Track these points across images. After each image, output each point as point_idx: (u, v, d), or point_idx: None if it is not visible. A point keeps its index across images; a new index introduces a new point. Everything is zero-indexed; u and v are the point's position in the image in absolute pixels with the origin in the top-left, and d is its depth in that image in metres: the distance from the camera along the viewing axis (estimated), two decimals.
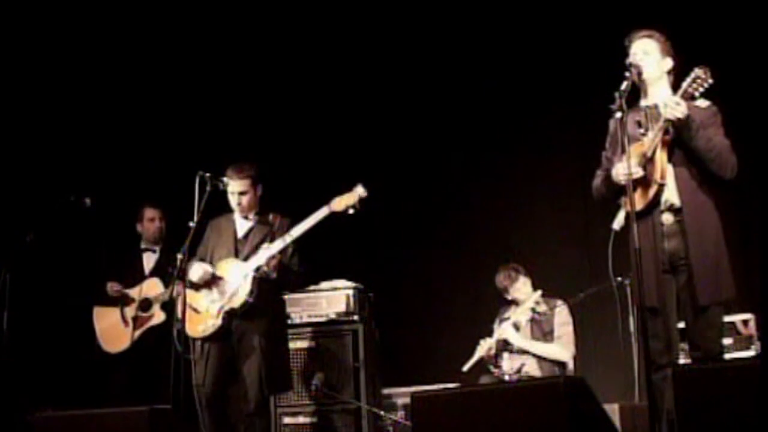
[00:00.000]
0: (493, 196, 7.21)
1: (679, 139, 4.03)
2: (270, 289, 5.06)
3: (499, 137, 7.22)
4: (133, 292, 5.87)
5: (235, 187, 5.06)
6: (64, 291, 6.43)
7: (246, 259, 5.05)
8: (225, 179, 5.01)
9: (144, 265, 6.03)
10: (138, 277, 5.93)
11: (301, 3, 7.48)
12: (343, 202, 4.97)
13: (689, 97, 3.99)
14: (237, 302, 4.93)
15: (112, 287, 5.84)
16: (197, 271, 4.99)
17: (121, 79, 7.21)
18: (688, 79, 3.98)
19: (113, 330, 5.83)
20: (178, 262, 4.94)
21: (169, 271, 5.49)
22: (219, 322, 4.92)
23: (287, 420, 5.85)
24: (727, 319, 5.23)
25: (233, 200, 5.10)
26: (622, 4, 6.52)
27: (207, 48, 7.45)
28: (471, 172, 7.32)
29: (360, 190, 5.00)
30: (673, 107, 3.94)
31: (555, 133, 6.96)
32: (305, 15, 7.51)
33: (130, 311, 5.82)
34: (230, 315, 4.95)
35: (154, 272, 5.95)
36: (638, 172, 3.98)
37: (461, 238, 7.30)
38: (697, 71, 3.97)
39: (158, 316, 5.72)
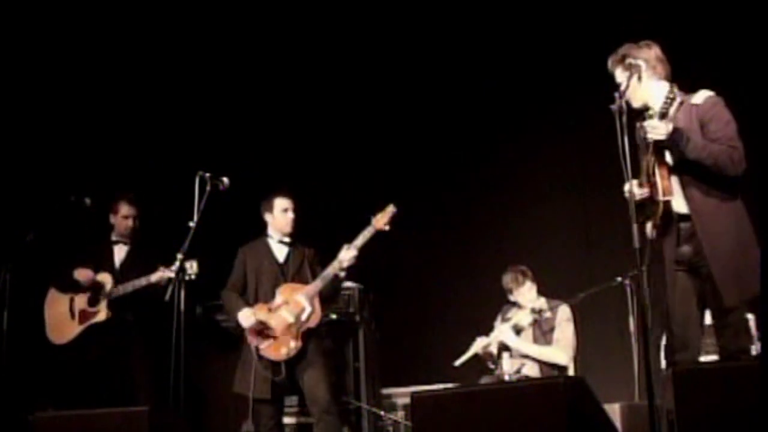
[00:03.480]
0: (494, 196, 7.21)
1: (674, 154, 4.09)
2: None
3: (499, 137, 7.22)
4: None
5: (290, 204, 5.48)
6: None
7: (293, 280, 5.39)
8: (225, 180, 5.03)
9: (114, 256, 5.97)
10: (107, 268, 5.87)
11: (300, 7, 7.49)
12: (381, 221, 5.29)
13: (663, 115, 4.01)
14: (314, 322, 5.28)
15: (84, 275, 5.72)
16: (245, 317, 5.26)
17: (121, 79, 7.20)
18: (660, 102, 4.03)
19: (60, 320, 5.74)
20: (178, 262, 4.96)
21: (170, 270, 5.47)
22: (300, 343, 5.22)
23: (287, 420, 5.85)
24: None
25: (287, 216, 5.45)
26: (621, 3, 6.53)
27: (208, 48, 7.44)
28: (471, 172, 7.32)
29: (392, 208, 5.32)
30: (652, 131, 4.00)
31: (555, 133, 6.95)
32: (303, 17, 7.51)
33: (80, 303, 5.75)
34: (307, 334, 5.27)
35: (124, 264, 5.89)
36: (640, 193, 4.08)
37: (461, 238, 7.30)
38: (666, 92, 4.06)
39: (102, 314, 5.64)
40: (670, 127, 3.99)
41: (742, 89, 5.73)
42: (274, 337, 5.22)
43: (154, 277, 5.47)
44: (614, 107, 3.92)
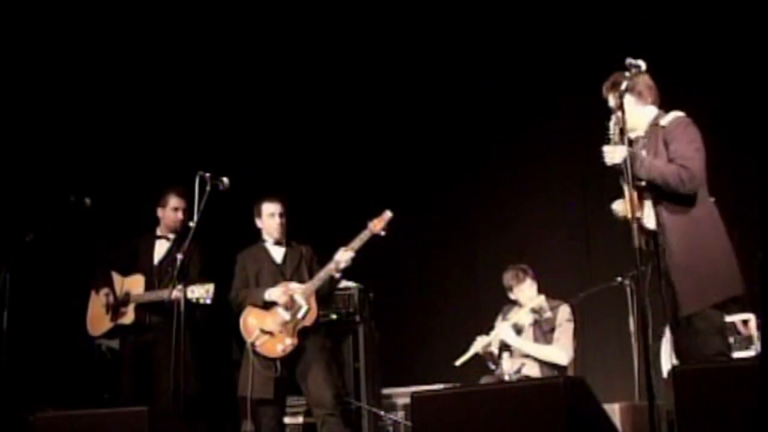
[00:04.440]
0: (494, 196, 7.22)
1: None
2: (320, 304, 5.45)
3: (499, 137, 7.22)
4: (117, 284, 5.78)
5: (277, 208, 5.50)
6: (63, 290, 6.40)
7: (291, 279, 5.41)
8: (225, 180, 5.03)
9: (155, 251, 5.93)
10: (146, 263, 5.85)
11: (299, 8, 7.50)
12: (378, 225, 5.33)
13: (620, 140, 4.13)
14: (310, 321, 5.30)
15: (105, 295, 5.75)
16: (279, 294, 5.31)
17: (121, 79, 7.21)
18: (612, 126, 4.16)
19: (98, 313, 5.76)
20: (178, 263, 4.96)
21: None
22: (296, 341, 5.26)
23: (287, 420, 5.85)
24: (727, 319, 5.25)
25: (275, 221, 5.48)
26: (621, 3, 6.53)
27: (208, 49, 7.45)
28: (471, 172, 7.33)
29: (389, 214, 5.35)
30: (606, 156, 4.14)
31: (555, 133, 6.95)
32: (303, 18, 7.52)
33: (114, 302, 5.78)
34: (303, 332, 5.30)
35: (163, 262, 5.85)
36: (622, 211, 4.21)
37: (461, 237, 7.30)
38: (613, 119, 4.17)
39: (128, 317, 5.66)
40: (624, 151, 4.09)
41: (741, 89, 5.75)
42: (271, 334, 5.24)
43: (172, 295, 5.39)
44: (614, 106, 3.95)
